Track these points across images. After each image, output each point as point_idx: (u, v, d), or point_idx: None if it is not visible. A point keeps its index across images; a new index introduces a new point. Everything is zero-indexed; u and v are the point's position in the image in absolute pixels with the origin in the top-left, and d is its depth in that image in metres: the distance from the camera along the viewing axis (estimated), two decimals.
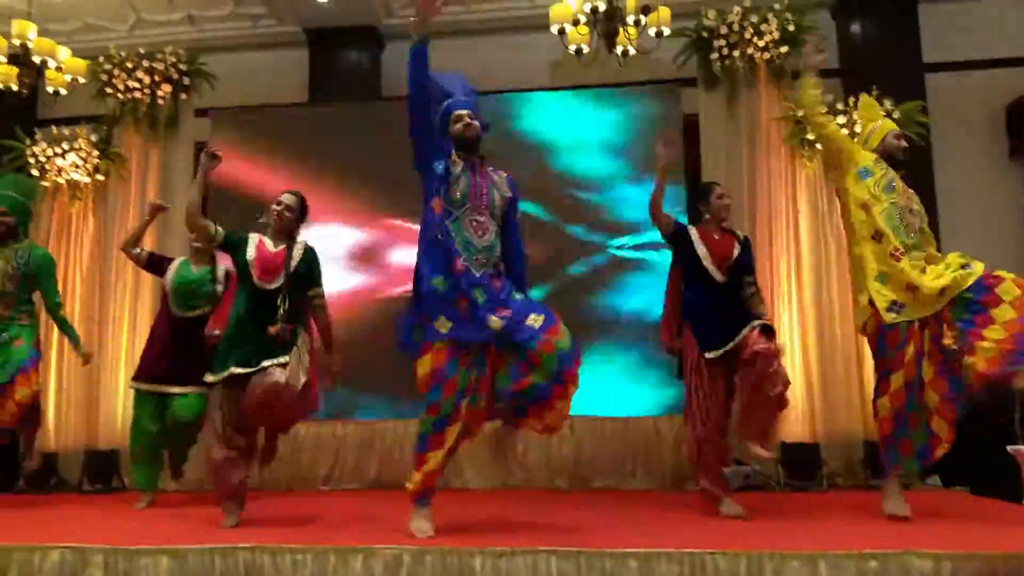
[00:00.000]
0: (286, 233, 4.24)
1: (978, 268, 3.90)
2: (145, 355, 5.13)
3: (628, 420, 5.92)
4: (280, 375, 3.87)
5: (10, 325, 4.98)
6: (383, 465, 6.02)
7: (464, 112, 3.81)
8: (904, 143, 4.34)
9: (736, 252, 4.47)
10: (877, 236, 4.06)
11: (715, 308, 4.40)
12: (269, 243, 4.22)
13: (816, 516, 4.12)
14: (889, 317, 3.95)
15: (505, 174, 3.91)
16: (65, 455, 6.29)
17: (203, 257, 5.07)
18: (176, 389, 4.89)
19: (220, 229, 4.18)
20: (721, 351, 4.28)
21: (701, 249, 4.48)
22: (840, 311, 5.76)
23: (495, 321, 3.52)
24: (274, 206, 4.25)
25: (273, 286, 4.10)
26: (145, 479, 5.06)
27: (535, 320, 3.52)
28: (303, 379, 3.96)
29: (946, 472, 5.29)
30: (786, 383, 4.29)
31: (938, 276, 3.92)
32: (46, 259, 5.13)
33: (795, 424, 5.66)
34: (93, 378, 6.34)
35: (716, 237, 4.50)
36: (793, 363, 5.71)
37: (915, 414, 3.95)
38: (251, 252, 4.15)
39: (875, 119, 4.45)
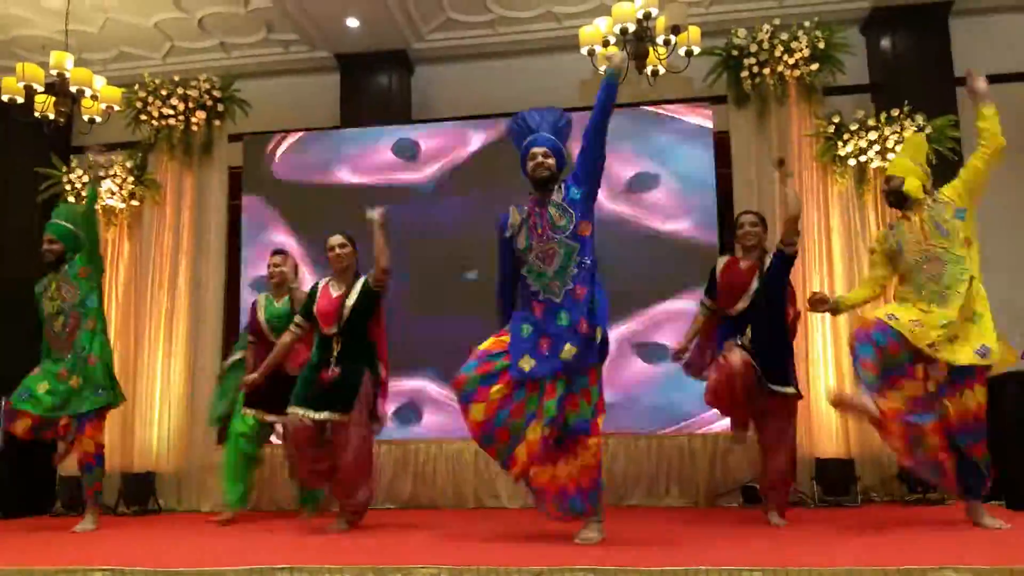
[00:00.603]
0: (348, 272, 4.60)
1: None
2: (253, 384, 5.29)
3: (662, 437, 5.90)
4: (347, 455, 4.43)
5: (80, 336, 5.16)
6: (417, 485, 6.05)
7: (538, 150, 3.85)
8: (882, 188, 4.45)
9: (755, 284, 4.49)
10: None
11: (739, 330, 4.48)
12: (333, 287, 4.61)
13: (851, 532, 4.06)
14: (888, 320, 4.02)
15: (564, 180, 3.89)
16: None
17: (281, 291, 5.39)
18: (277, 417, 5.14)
19: (297, 323, 4.67)
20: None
21: (718, 280, 4.63)
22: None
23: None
24: (328, 252, 4.61)
25: (335, 331, 4.52)
26: (236, 497, 5.26)
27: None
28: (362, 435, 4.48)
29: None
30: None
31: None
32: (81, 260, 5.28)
33: (829, 440, 5.62)
34: (129, 404, 6.37)
35: (740, 267, 4.56)
36: (826, 379, 5.69)
37: None
38: (316, 303, 4.57)
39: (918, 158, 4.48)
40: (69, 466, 5.61)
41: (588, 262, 3.76)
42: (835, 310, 4.44)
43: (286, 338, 4.74)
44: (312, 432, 4.43)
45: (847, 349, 5.63)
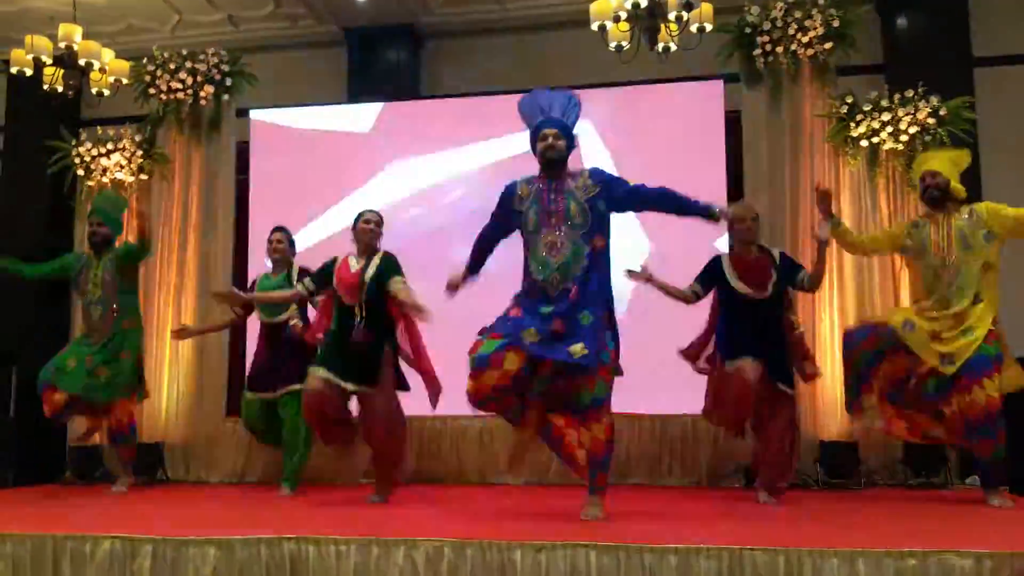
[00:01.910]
0: (370, 248, 4.69)
1: None
2: (253, 368, 5.53)
3: (664, 417, 5.91)
4: (377, 426, 4.55)
5: (115, 333, 5.24)
6: (421, 460, 6.06)
7: (549, 131, 3.83)
8: (927, 182, 4.47)
9: (774, 274, 4.58)
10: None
11: (748, 330, 4.53)
12: (353, 261, 4.69)
13: (855, 514, 4.08)
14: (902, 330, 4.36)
15: (588, 171, 3.89)
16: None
17: (281, 266, 5.46)
18: (278, 392, 5.27)
19: (307, 283, 4.75)
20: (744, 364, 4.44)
21: (730, 273, 4.64)
22: (882, 309, 5.69)
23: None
24: (361, 224, 4.70)
25: (356, 302, 4.59)
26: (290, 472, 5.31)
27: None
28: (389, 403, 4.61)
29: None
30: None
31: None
32: (124, 246, 5.42)
33: (833, 423, 5.61)
34: None
35: (748, 259, 4.63)
36: (833, 362, 5.65)
37: None
38: (336, 274, 4.66)
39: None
40: (79, 435, 5.69)
41: (595, 271, 3.75)
42: (835, 225, 4.64)
43: (281, 292, 5.07)
44: (332, 398, 4.51)
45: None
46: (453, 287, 4.12)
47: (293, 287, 5.06)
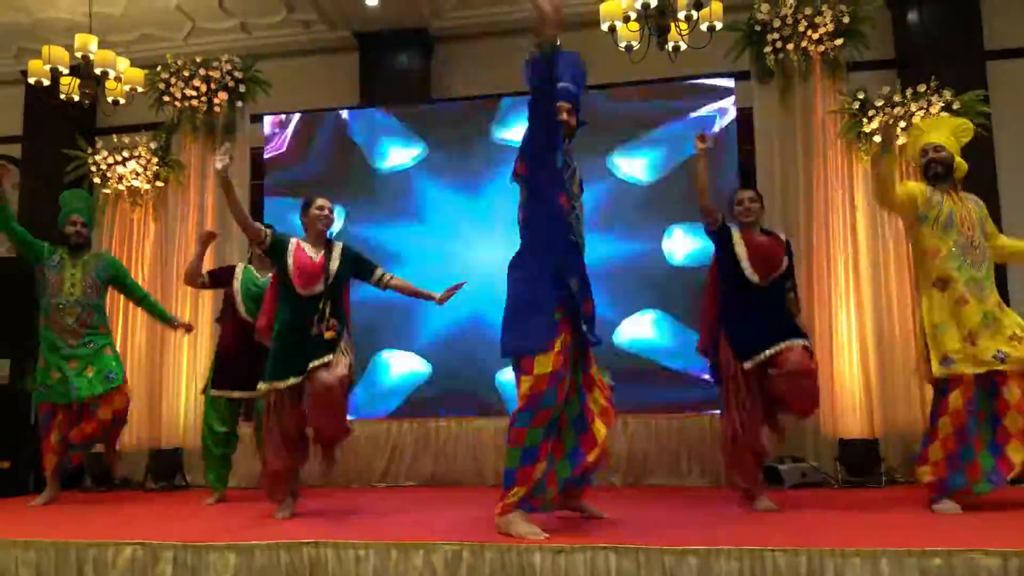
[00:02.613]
0: (323, 236, 4.41)
1: None
2: (220, 363, 5.27)
3: (682, 417, 5.90)
4: (328, 375, 4.06)
5: (96, 335, 5.25)
6: (438, 462, 6.10)
7: (565, 105, 3.70)
8: (930, 156, 4.27)
9: (785, 260, 4.46)
10: (940, 283, 4.10)
11: (752, 314, 4.39)
12: (309, 248, 4.37)
13: (876, 512, 4.05)
14: (940, 371, 4.02)
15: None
16: (129, 454, 6.44)
17: (267, 262, 5.16)
18: (250, 393, 4.98)
19: (268, 232, 4.38)
20: (756, 361, 4.29)
21: (740, 250, 4.46)
22: (898, 306, 5.67)
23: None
24: (315, 211, 4.39)
25: (315, 292, 4.26)
26: (216, 478, 5.25)
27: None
28: (347, 371, 4.18)
29: None
30: (814, 402, 4.34)
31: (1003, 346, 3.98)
32: (118, 262, 5.41)
33: (853, 420, 5.57)
34: (156, 379, 6.51)
35: (760, 240, 4.47)
36: (851, 358, 5.64)
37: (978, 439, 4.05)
38: (290, 260, 4.28)
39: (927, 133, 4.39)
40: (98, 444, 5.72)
41: None
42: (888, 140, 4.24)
43: (250, 229, 4.36)
44: (298, 413, 4.20)
45: (871, 328, 5.64)
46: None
47: None
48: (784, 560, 2.86)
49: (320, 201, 4.43)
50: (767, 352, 4.28)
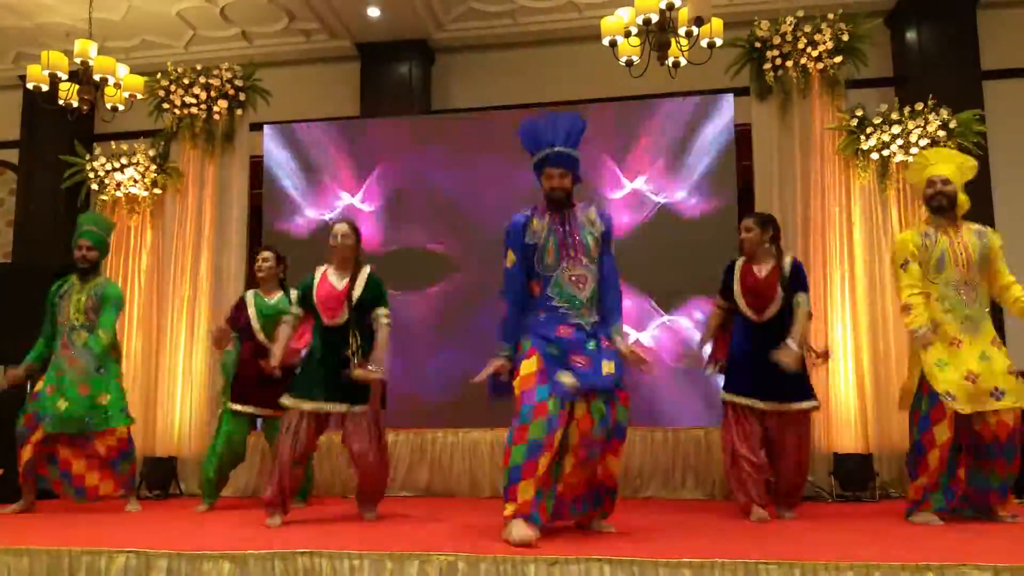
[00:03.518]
0: (350, 262, 4.45)
1: None
2: (239, 381, 5.33)
3: (678, 430, 5.91)
4: (358, 446, 4.35)
5: (106, 360, 5.16)
6: (434, 473, 6.08)
7: (555, 171, 3.78)
8: (928, 192, 4.30)
9: (780, 294, 4.47)
10: (932, 326, 4.16)
11: (752, 349, 4.50)
12: (333, 275, 4.45)
13: (869, 526, 4.06)
14: (946, 401, 4.04)
15: (595, 209, 3.91)
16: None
17: (271, 285, 5.40)
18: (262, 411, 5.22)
19: (297, 310, 4.52)
20: (748, 403, 4.46)
21: (736, 287, 4.60)
22: (894, 322, 5.68)
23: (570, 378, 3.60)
24: (331, 238, 4.46)
25: (340, 321, 4.36)
26: (210, 489, 5.27)
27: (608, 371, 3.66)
28: (375, 433, 4.42)
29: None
30: (801, 473, 4.58)
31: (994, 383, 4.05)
32: (114, 290, 5.27)
33: (848, 435, 5.60)
34: (151, 387, 6.48)
35: (759, 275, 4.54)
36: (846, 374, 5.68)
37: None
38: (314, 291, 4.41)
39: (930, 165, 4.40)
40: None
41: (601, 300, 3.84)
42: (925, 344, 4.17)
43: (285, 330, 4.56)
44: (312, 435, 4.38)
45: (866, 344, 5.66)
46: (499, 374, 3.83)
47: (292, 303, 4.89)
48: (778, 573, 2.87)
49: (336, 227, 4.49)
50: (759, 405, 4.45)
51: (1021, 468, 4.22)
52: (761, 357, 4.39)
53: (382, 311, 4.43)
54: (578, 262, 3.76)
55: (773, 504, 4.57)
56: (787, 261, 4.57)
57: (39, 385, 5.15)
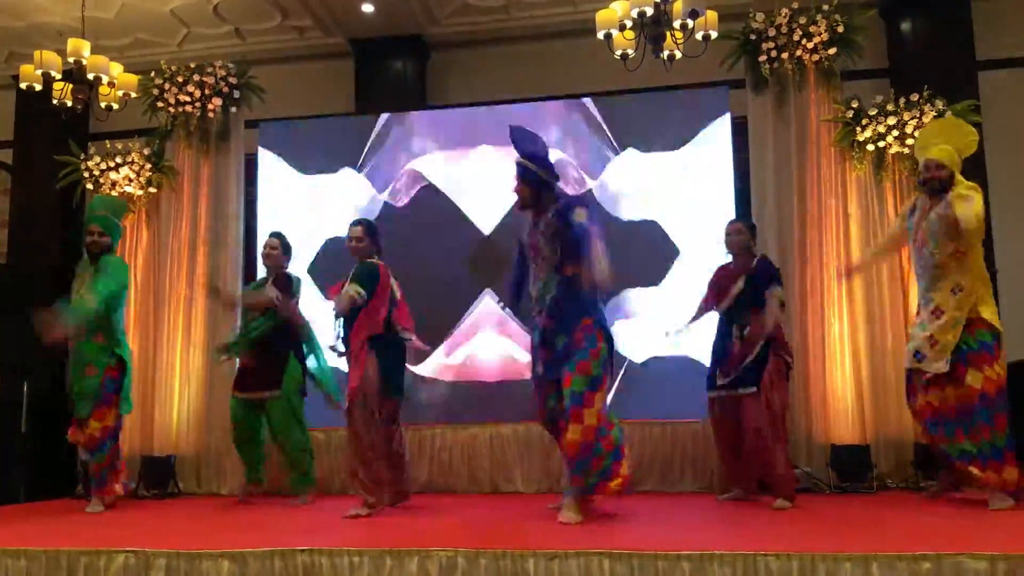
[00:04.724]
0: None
1: None
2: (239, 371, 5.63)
3: (675, 423, 5.91)
4: None
5: (87, 343, 5.11)
6: (432, 469, 6.08)
7: (516, 177, 4.18)
8: (923, 175, 4.42)
9: (737, 288, 4.86)
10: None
11: (717, 337, 5.02)
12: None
13: (867, 518, 4.07)
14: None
15: (555, 208, 4.09)
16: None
17: (273, 273, 5.55)
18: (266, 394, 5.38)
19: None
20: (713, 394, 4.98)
21: (712, 277, 5.13)
22: (890, 313, 5.69)
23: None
24: (346, 241, 4.79)
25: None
26: (247, 471, 5.55)
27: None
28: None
29: None
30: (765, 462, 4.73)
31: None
32: (116, 262, 5.24)
33: (845, 426, 5.61)
34: (148, 386, 6.46)
35: (726, 269, 5.03)
36: (843, 365, 5.69)
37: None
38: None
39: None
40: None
41: (568, 298, 4.05)
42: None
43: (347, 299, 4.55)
44: None
45: (863, 335, 5.67)
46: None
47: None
48: (776, 565, 2.87)
49: (350, 229, 4.76)
50: (711, 394, 4.96)
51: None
52: (719, 345, 4.96)
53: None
54: (535, 261, 4.17)
55: (771, 495, 4.68)
56: (757, 258, 4.96)
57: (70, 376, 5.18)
